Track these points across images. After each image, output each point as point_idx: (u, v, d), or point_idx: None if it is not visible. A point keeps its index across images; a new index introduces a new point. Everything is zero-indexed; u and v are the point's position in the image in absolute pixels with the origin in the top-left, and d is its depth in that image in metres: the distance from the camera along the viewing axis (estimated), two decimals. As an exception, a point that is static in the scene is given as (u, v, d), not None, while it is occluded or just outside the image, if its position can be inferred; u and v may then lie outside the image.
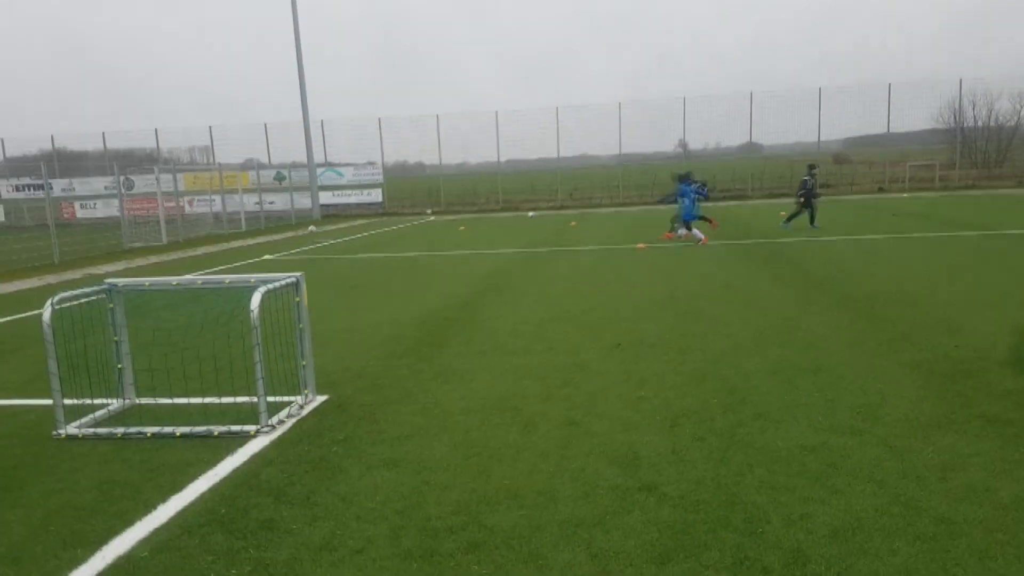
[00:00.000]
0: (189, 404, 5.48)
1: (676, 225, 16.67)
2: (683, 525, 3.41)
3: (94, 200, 37.13)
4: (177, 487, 4.08)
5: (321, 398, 5.59)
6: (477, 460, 4.30)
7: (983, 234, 14.86)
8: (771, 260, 12.55)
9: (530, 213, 30.71)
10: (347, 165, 37.93)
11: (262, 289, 4.97)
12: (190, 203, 32.42)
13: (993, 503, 3.47)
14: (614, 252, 14.93)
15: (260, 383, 4.89)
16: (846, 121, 38.07)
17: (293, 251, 18.99)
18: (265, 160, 38.77)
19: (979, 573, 2.91)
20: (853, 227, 17.50)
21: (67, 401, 5.11)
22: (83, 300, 5.31)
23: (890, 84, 35.25)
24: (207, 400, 5.49)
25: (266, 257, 17.69)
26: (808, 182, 17.80)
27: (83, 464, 4.50)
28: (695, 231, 15.88)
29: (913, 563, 3.00)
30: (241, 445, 4.66)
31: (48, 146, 40.48)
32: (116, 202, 28.81)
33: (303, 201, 34.70)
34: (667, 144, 43.45)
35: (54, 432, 5.00)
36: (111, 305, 5.52)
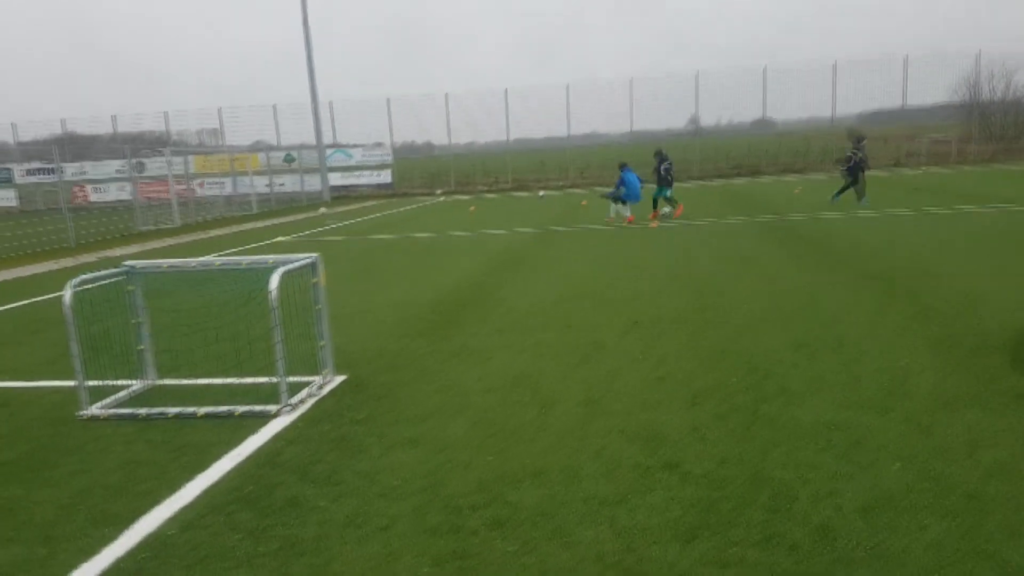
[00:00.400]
0: (210, 385, 5.52)
1: (662, 204, 16.70)
2: (708, 502, 3.39)
3: (107, 184, 37.27)
4: (202, 466, 4.11)
5: (340, 378, 5.60)
6: (497, 439, 4.29)
7: (1003, 208, 14.63)
8: (788, 236, 12.41)
9: (540, 193, 30.53)
10: (356, 146, 37.80)
11: (281, 270, 4.96)
12: (201, 185, 32.49)
13: (1022, 479, 3.42)
14: (627, 230, 14.83)
15: (280, 363, 4.90)
16: (861, 96, 37.44)
17: (305, 232, 19.01)
18: (275, 142, 38.73)
19: (1010, 550, 2.88)
20: (872, 202, 17.25)
21: (90, 383, 5.15)
22: (103, 282, 5.32)
23: (907, 57, 34.63)
24: (228, 381, 5.52)
25: (279, 239, 17.72)
26: (853, 155, 17.33)
27: (108, 444, 4.54)
28: (626, 208, 15.95)
29: (944, 539, 2.97)
30: (263, 425, 4.69)
31: (59, 131, 40.62)
32: (128, 185, 28.93)
33: (313, 183, 34.68)
34: (679, 120, 42.94)
35: (78, 413, 5.05)
36: (131, 287, 5.54)
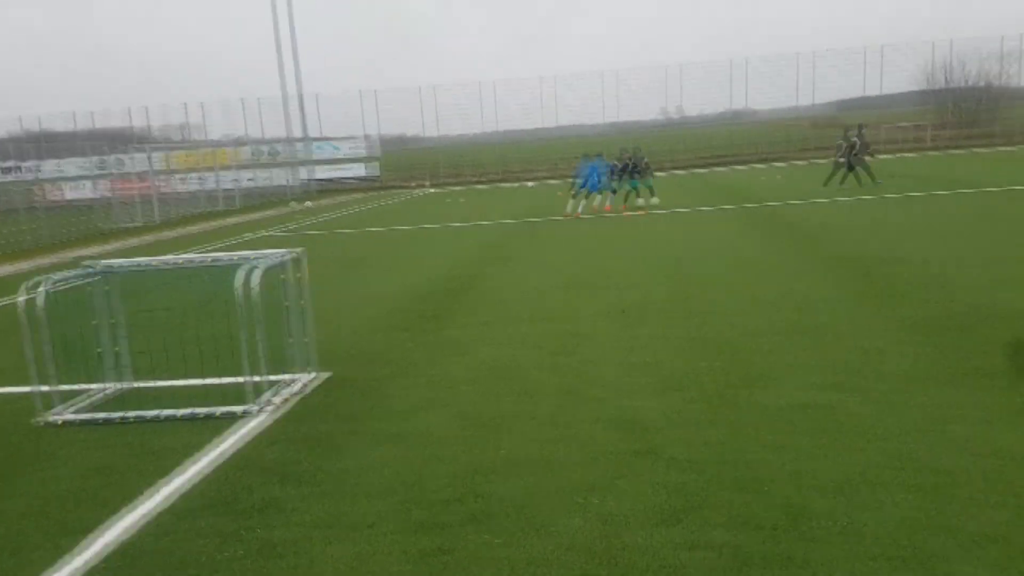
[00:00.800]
0: (188, 386, 5.44)
1: (630, 195, 16.74)
2: (686, 486, 3.44)
3: (82, 181, 36.67)
4: (177, 470, 4.04)
5: (324, 375, 5.58)
6: (482, 431, 4.31)
7: (973, 191, 14.85)
8: (768, 224, 12.53)
9: (529, 183, 30.53)
10: (341, 139, 37.54)
11: (263, 266, 4.90)
12: (182, 180, 32.09)
13: (990, 454, 3.51)
14: (612, 219, 14.88)
15: (262, 362, 4.87)
16: (836, 84, 37.79)
17: (290, 226, 18.86)
18: (258, 135, 38.36)
19: (979, 522, 2.95)
20: (842, 190, 17.43)
21: (60, 387, 5.03)
22: (75, 283, 5.25)
23: (882, 47, 35.01)
24: (206, 381, 5.44)
25: (262, 233, 17.56)
26: (844, 146, 17.64)
27: (79, 450, 4.44)
28: (579, 205, 16.03)
29: (914, 514, 3.04)
30: (243, 425, 4.64)
31: (35, 127, 39.92)
32: (104, 182, 28.50)
33: (296, 176, 34.40)
34: (658, 111, 43.17)
35: (38, 419, 4.90)
36: (106, 288, 5.45)
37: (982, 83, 36.22)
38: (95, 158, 27.02)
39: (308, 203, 27.13)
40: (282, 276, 5.36)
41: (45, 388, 5.03)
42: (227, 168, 31.38)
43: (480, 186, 32.50)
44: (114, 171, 32.65)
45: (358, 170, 36.53)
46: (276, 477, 3.88)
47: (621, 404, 4.55)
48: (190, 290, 7.93)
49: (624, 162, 16.88)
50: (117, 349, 5.53)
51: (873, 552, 2.80)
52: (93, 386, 5.46)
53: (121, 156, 30.25)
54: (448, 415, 4.61)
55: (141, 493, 3.79)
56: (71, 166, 36.59)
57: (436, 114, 37.36)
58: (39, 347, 4.97)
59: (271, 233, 17.97)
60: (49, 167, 37.18)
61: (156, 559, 3.17)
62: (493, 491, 3.55)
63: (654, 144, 33.13)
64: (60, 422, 4.90)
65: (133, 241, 18.11)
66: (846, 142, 17.62)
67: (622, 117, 39.53)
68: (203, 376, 5.50)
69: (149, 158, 26.31)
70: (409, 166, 38.26)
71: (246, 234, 17.89)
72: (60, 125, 40.10)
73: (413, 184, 35.39)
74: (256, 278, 4.77)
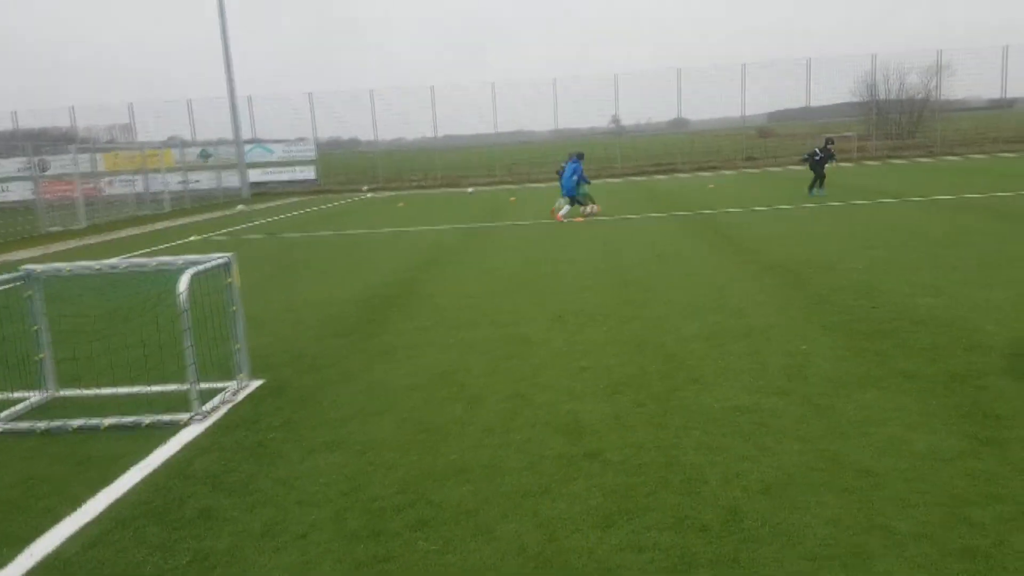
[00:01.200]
0: (117, 394, 5.26)
1: (582, 201, 16.96)
2: (625, 489, 3.50)
3: (6, 183, 34.67)
4: (107, 480, 3.91)
5: (257, 382, 5.45)
6: (423, 437, 4.28)
7: (896, 201, 15.65)
8: (703, 231, 12.88)
9: (469, 189, 30.50)
10: (277, 141, 36.66)
11: (191, 271, 4.78)
12: (110, 184, 30.72)
13: (912, 454, 3.69)
14: (554, 226, 15.02)
15: (191, 369, 4.72)
16: (769, 96, 39.26)
17: (223, 231, 18.32)
18: (189, 137, 37.10)
19: (902, 521, 3.10)
20: (778, 198, 18.09)
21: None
22: (3, 287, 4.99)
23: (810, 59, 36.51)
24: (136, 389, 5.27)
25: (193, 238, 17.00)
26: (815, 153, 18.44)
27: (5, 460, 4.26)
28: (563, 209, 16.20)
29: (840, 514, 3.17)
30: (173, 434, 4.50)
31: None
32: (30, 185, 27.03)
33: (231, 179, 33.41)
34: (602, 120, 43.87)
35: None
36: (29, 292, 5.21)
37: (904, 96, 38.17)
38: (36, 158, 25.51)
39: (241, 207, 26.41)
40: (228, 280, 5.22)
41: None
42: (174, 170, 30.25)
43: (422, 191, 32.31)
44: (55, 172, 31.02)
45: (295, 173, 35.77)
46: (209, 486, 3.78)
47: (565, 408, 4.60)
48: (120, 296, 7.62)
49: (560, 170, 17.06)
50: (41, 356, 5.27)
51: (812, 552, 2.90)
52: (29, 394, 5.25)
53: (64, 157, 28.69)
54: (388, 422, 4.56)
55: (74, 504, 3.66)
56: (10, 166, 34.49)
57: (373, 118, 36.90)
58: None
59: (205, 237, 17.43)
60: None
61: (88, 570, 3.07)
62: (434, 498, 3.53)
63: (597, 151, 33.58)
64: (0, 430, 4.70)
65: (76, 243, 17.32)
66: (822, 151, 18.45)
67: (564, 124, 39.96)
68: (132, 384, 5.31)
69: (93, 158, 25.07)
70: (347, 170, 37.72)
71: (191, 236, 17.34)
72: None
73: (352, 188, 34.88)
74: (184, 283, 4.63)
